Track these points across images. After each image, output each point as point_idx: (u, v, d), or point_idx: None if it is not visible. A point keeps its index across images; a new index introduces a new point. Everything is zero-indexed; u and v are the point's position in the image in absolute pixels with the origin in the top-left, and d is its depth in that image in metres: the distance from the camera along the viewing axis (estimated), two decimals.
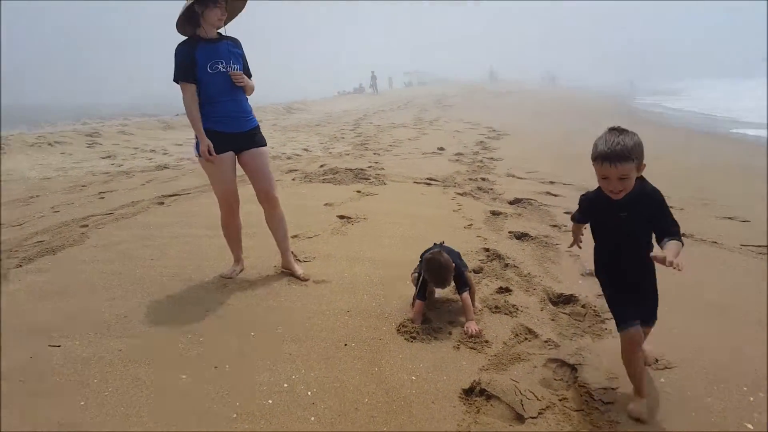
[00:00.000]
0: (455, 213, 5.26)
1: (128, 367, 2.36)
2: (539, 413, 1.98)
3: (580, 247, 2.47)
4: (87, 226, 4.74)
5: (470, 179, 7.03)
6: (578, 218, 2.33)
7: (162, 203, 5.63)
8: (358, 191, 6.13)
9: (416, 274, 2.96)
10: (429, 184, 6.69)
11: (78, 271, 3.61)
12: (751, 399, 2.16)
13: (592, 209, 2.16)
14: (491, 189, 6.38)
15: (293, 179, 7.08)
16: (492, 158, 8.87)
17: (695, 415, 2.05)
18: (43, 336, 2.63)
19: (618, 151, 1.87)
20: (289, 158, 9.59)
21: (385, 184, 6.62)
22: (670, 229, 1.92)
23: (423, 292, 2.84)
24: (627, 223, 2.01)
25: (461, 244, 4.02)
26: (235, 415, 1.99)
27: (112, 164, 9.01)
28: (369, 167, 7.73)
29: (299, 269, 3.51)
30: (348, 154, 9.45)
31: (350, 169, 7.34)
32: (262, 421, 1.96)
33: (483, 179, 7.00)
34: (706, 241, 4.54)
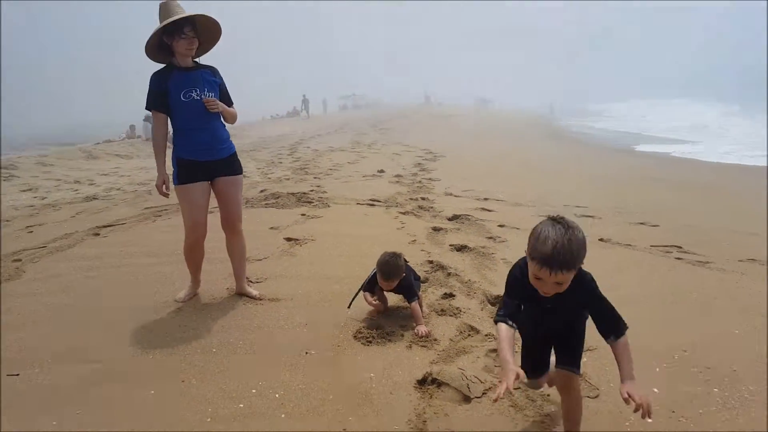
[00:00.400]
0: (399, 231, 5.54)
1: (95, 388, 2.42)
2: (483, 393, 2.27)
3: (512, 393, 2.25)
4: (20, 260, 4.59)
5: (411, 199, 7.37)
6: (510, 312, 1.82)
7: (98, 234, 5.51)
8: (303, 214, 6.29)
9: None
10: (372, 205, 6.96)
11: (20, 305, 3.54)
12: (657, 370, 2.56)
13: (521, 293, 1.82)
14: (431, 207, 6.75)
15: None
16: (430, 179, 9.30)
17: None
18: (12, 368, 2.61)
19: (563, 260, 1.59)
20: None
21: (328, 206, 6.82)
22: (612, 325, 1.77)
23: (371, 286, 3.15)
24: (554, 312, 1.83)
25: (407, 258, 4.30)
26: (209, 419, 2.12)
27: (35, 197, 8.61)
28: (311, 191, 7.91)
29: (253, 291, 3.63)
30: (288, 179, 9.56)
31: (292, 193, 7.47)
32: (236, 422, 2.11)
33: (423, 198, 7.36)
34: (621, 244, 5.09)
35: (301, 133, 23.49)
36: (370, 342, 2.85)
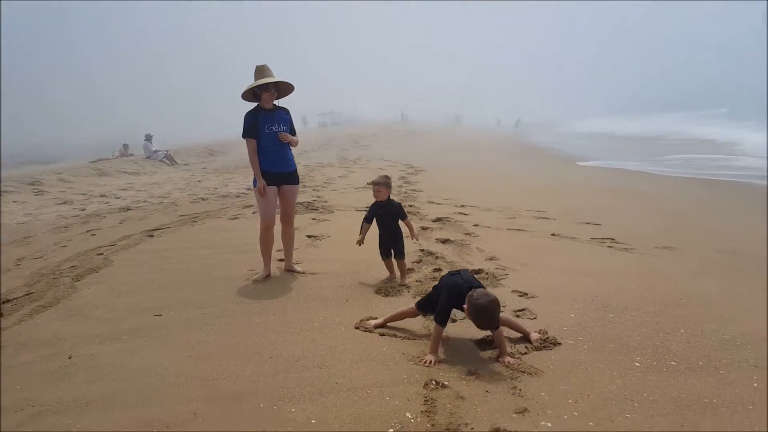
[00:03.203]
0: None
1: (215, 320, 3.77)
2: (453, 320, 3.67)
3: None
4: (102, 254, 5.86)
5: None
6: (445, 319, 3.24)
7: (151, 236, 6.80)
8: (314, 218, 7.66)
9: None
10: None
11: (128, 279, 4.83)
12: (576, 307, 3.99)
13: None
14: (418, 212, 8.18)
15: (253, 212, 8.45)
16: (414, 190, 10.77)
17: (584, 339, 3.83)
18: (148, 313, 3.93)
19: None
20: (237, 196, 10.86)
21: (332, 212, 8.20)
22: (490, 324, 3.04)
23: (370, 218, 4.75)
24: None
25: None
26: (297, 332, 3.49)
27: (74, 209, 9.79)
28: (314, 200, 9.28)
29: (298, 267, 5.04)
30: None
31: (299, 203, 8.83)
32: (314, 333, 3.49)
33: (410, 205, 8.79)
34: (568, 237, 6.59)
35: None
36: (388, 294, 4.25)
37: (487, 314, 2.96)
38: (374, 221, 4.78)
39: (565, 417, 2.49)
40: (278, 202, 4.97)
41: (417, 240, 4.92)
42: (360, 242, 4.72)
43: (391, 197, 4.85)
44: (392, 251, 4.71)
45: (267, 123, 4.74)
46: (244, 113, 4.77)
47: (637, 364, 3.03)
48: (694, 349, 3.21)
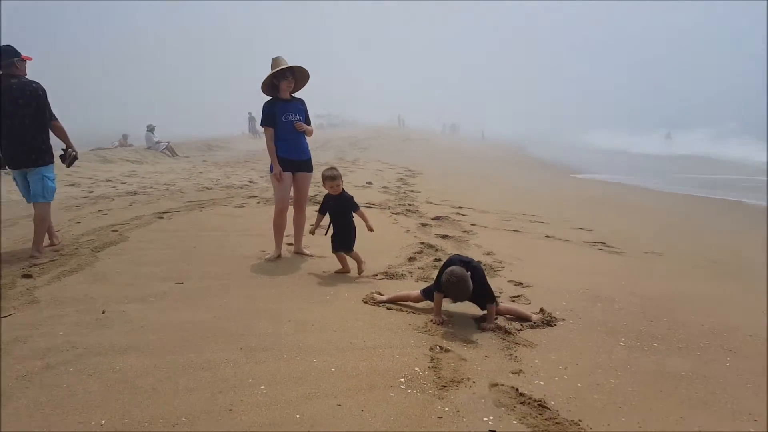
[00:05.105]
0: (394, 225, 7.25)
1: (232, 290, 4.04)
2: None
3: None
4: (117, 231, 6.09)
5: (400, 204, 9.10)
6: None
7: (162, 218, 7.03)
8: (317, 210, 7.92)
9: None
10: (369, 207, 8.65)
11: (145, 253, 5.07)
12: (567, 296, 4.31)
13: None
14: (417, 210, 8.49)
15: (258, 203, 8.72)
16: (412, 191, 11.09)
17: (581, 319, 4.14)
18: (169, 281, 4.19)
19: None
20: (240, 188, 11.11)
21: None
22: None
23: (323, 209, 4.81)
24: None
25: (406, 241, 6.01)
26: (306, 304, 3.78)
27: (82, 191, 9.99)
28: (316, 195, 9.54)
29: (307, 251, 5.31)
30: None
31: None
32: (324, 305, 3.78)
33: (410, 204, 9.10)
34: (561, 239, 6.93)
35: None
36: (393, 277, 4.55)
37: (453, 285, 3.40)
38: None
39: (556, 379, 2.80)
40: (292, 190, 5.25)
41: (373, 230, 4.75)
42: (312, 231, 4.87)
43: (346, 193, 4.82)
44: (344, 244, 4.68)
45: (284, 112, 5.00)
46: (263, 104, 5.04)
47: (622, 344, 3.34)
48: (674, 334, 3.53)
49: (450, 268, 3.46)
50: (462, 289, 3.40)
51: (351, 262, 4.73)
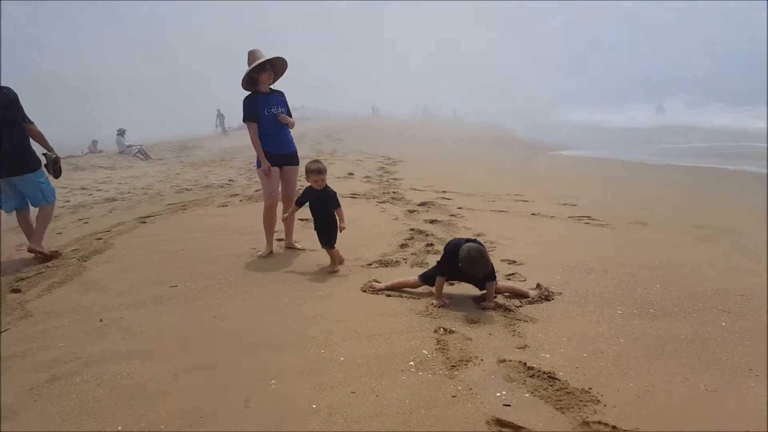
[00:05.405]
0: (382, 213, 7.24)
1: (229, 288, 4.00)
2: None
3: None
4: (101, 238, 5.96)
5: (384, 193, 9.09)
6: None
7: (144, 222, 6.90)
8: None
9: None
10: (354, 198, 8.63)
11: (131, 258, 4.98)
12: (560, 270, 4.37)
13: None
14: (402, 198, 8.49)
15: (240, 200, 8.62)
16: (395, 179, 11.08)
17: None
18: (162, 285, 4.12)
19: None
20: (221, 186, 10.96)
21: None
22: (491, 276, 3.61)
23: (302, 201, 4.65)
24: None
25: (396, 228, 6.02)
26: (303, 298, 3.77)
27: (58, 201, 9.67)
28: (299, 189, 9.47)
29: (298, 245, 5.27)
30: None
31: None
32: (326, 299, 3.77)
33: (394, 192, 9.10)
34: (547, 216, 7.02)
35: None
36: (387, 265, 4.56)
37: (474, 262, 3.41)
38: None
39: (561, 350, 2.85)
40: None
41: (344, 228, 4.57)
42: (284, 219, 4.93)
43: (329, 188, 4.66)
44: (326, 241, 4.57)
45: (266, 106, 4.91)
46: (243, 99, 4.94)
47: (620, 312, 3.41)
48: (669, 299, 3.62)
49: (466, 245, 3.48)
50: (483, 263, 3.43)
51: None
